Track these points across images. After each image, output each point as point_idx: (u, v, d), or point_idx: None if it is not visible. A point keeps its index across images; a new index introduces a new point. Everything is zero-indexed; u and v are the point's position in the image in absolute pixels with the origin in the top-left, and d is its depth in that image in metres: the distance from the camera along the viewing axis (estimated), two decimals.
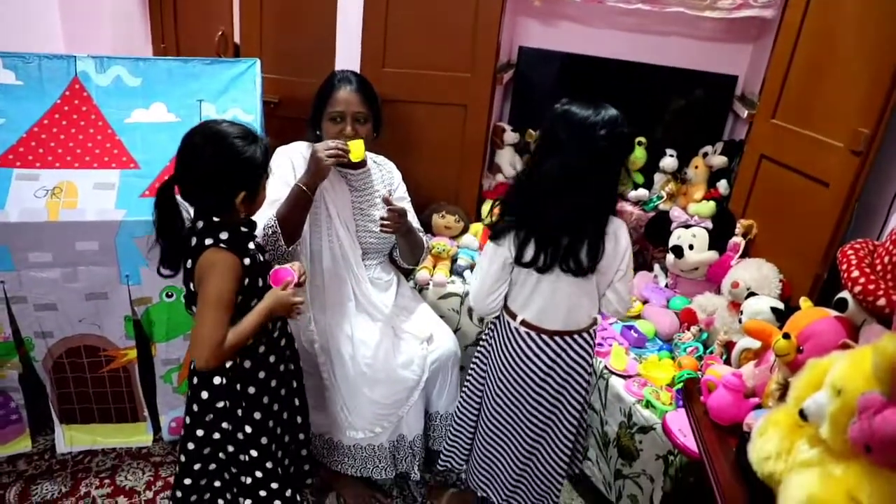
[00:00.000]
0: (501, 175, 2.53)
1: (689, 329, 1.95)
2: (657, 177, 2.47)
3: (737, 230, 2.06)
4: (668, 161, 2.42)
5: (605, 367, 1.82)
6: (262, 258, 1.43)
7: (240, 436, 1.47)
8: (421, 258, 2.02)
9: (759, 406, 1.28)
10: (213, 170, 1.31)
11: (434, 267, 2.20)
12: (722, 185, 2.33)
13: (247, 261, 1.35)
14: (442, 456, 1.81)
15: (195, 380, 1.46)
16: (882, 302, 1.14)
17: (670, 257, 2.14)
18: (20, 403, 1.92)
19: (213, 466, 1.54)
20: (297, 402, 1.62)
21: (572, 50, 2.51)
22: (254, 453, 1.48)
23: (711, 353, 1.82)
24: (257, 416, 1.46)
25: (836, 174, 1.68)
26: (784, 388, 1.18)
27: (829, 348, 1.08)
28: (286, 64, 2.54)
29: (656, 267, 2.33)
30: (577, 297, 1.48)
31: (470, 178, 2.39)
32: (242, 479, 1.51)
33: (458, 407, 1.76)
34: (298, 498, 1.61)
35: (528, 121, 2.55)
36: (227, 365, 1.41)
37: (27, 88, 1.84)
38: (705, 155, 2.41)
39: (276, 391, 1.50)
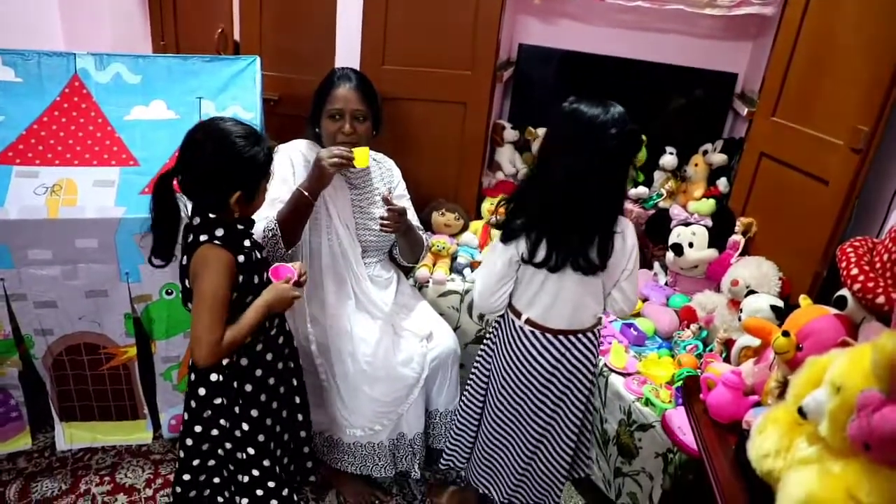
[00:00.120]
0: (501, 173, 2.53)
1: (688, 327, 1.95)
2: (657, 174, 2.47)
3: (736, 228, 2.06)
4: (668, 159, 2.42)
5: (605, 364, 1.82)
6: (258, 255, 1.43)
7: (237, 433, 1.47)
8: (421, 256, 2.02)
9: (758, 404, 1.28)
10: (212, 167, 1.31)
11: (434, 265, 2.20)
12: (722, 183, 2.34)
13: (241, 258, 1.35)
14: (444, 455, 1.81)
15: (193, 376, 1.46)
16: (881, 300, 1.14)
17: (670, 255, 2.14)
18: (20, 401, 1.92)
19: (211, 463, 1.54)
20: (297, 399, 1.62)
21: (572, 47, 2.51)
22: (251, 451, 1.48)
23: (711, 350, 1.82)
24: (254, 413, 1.46)
25: (835, 172, 1.68)
26: (783, 386, 1.18)
27: (829, 346, 1.08)
28: (286, 61, 2.53)
29: (656, 265, 2.33)
30: (582, 296, 1.48)
31: (470, 176, 2.39)
32: (239, 476, 1.51)
33: (460, 406, 1.76)
34: (295, 498, 1.61)
35: (528, 118, 2.55)
36: (224, 362, 1.42)
37: (27, 86, 1.84)
38: (705, 153, 2.41)
39: (274, 389, 1.50)
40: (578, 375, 1.55)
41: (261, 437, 1.48)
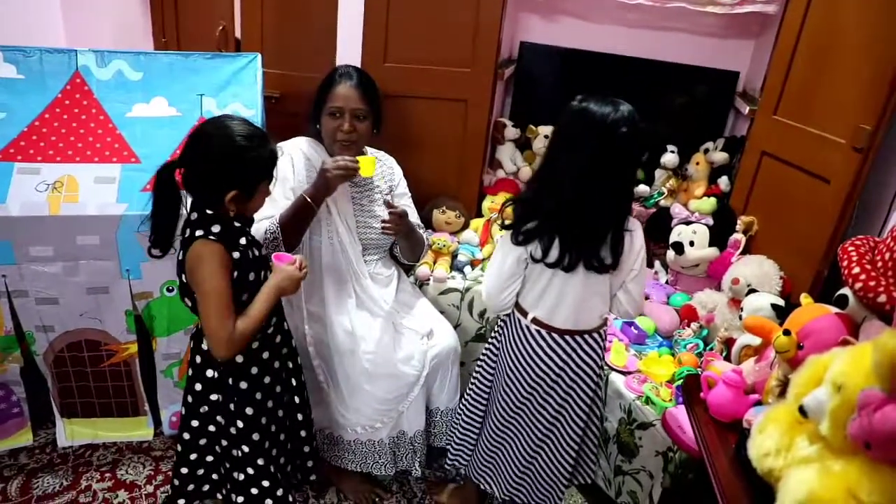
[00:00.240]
0: (502, 171, 2.53)
1: (689, 325, 1.95)
2: (658, 173, 2.47)
3: (737, 227, 2.06)
4: (669, 157, 2.42)
5: (606, 363, 1.82)
6: (254, 253, 1.43)
7: (232, 430, 1.47)
8: (421, 255, 2.02)
9: (759, 403, 1.28)
10: (211, 163, 1.31)
11: (434, 262, 2.20)
12: (723, 182, 2.33)
13: (236, 254, 1.35)
14: (449, 455, 1.81)
15: (190, 372, 1.47)
16: (882, 298, 1.14)
17: (671, 254, 2.14)
18: (21, 397, 1.93)
19: (209, 458, 1.55)
20: (296, 399, 1.62)
21: (574, 45, 2.51)
22: (245, 449, 1.48)
23: (711, 349, 1.82)
24: (249, 411, 1.46)
25: (837, 171, 1.68)
26: (784, 385, 1.18)
27: (830, 345, 1.08)
28: (287, 59, 2.53)
29: (657, 263, 2.33)
30: (588, 296, 1.48)
31: (470, 174, 2.39)
32: (235, 474, 1.51)
33: (465, 405, 1.75)
34: (290, 498, 1.60)
35: (530, 116, 2.55)
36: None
37: (28, 82, 1.84)
38: (706, 151, 2.41)
39: (269, 388, 1.50)
40: (583, 376, 1.55)
41: (255, 436, 1.48)
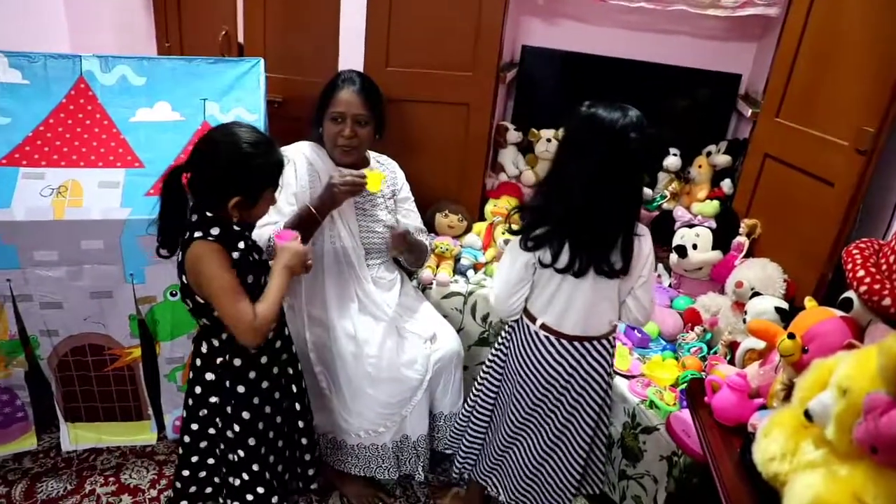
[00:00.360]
0: (504, 174, 2.53)
1: (692, 329, 1.94)
2: (661, 176, 2.47)
3: (741, 230, 2.06)
4: (672, 160, 2.42)
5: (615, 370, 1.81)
6: (254, 257, 1.43)
7: (228, 434, 1.47)
8: (425, 261, 2.02)
9: (763, 407, 1.27)
10: (217, 169, 1.32)
11: (437, 266, 2.20)
12: (726, 185, 2.33)
13: (235, 255, 1.35)
14: (457, 463, 1.79)
15: (191, 375, 1.48)
16: (887, 302, 1.13)
17: (674, 257, 2.14)
18: (26, 401, 1.93)
19: (210, 461, 1.55)
20: (296, 406, 1.61)
21: (576, 49, 2.51)
22: (241, 453, 1.48)
23: (715, 353, 1.81)
24: (246, 415, 1.46)
25: (840, 173, 1.68)
26: (789, 389, 1.17)
27: (835, 348, 1.08)
28: (290, 63, 2.54)
29: (660, 266, 2.32)
30: (597, 301, 1.47)
31: (473, 178, 2.39)
32: (230, 479, 1.51)
33: (471, 412, 1.73)
34: None
35: (532, 120, 2.55)
36: (218, 361, 1.43)
37: (33, 88, 1.84)
38: (709, 154, 2.41)
39: (267, 393, 1.50)
40: (592, 383, 1.54)
41: (251, 441, 1.48)
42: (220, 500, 1.58)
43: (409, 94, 2.23)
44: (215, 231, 1.33)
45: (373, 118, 1.84)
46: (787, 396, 1.17)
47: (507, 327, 1.64)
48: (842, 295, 1.29)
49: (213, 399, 1.46)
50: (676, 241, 2.14)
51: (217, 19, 2.67)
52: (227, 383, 1.44)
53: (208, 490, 1.60)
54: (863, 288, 1.18)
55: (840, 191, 1.67)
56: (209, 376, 1.44)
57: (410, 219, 2.03)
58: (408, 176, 2.06)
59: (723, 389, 1.32)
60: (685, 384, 1.66)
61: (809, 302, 1.34)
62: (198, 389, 1.46)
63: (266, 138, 1.37)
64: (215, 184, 1.33)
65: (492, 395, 1.68)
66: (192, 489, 1.58)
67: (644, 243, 1.45)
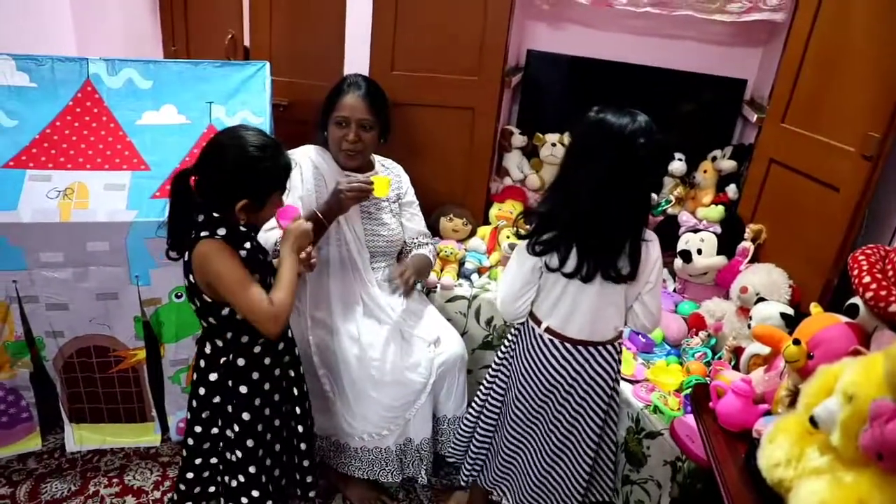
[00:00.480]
0: (509, 178, 2.53)
1: (697, 334, 1.94)
2: (665, 181, 2.46)
3: (746, 235, 2.05)
4: (677, 165, 2.42)
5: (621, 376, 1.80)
6: (260, 258, 1.44)
7: (228, 433, 1.48)
8: (431, 270, 2.03)
9: (768, 412, 1.27)
10: (224, 173, 1.32)
11: (441, 270, 2.20)
12: (731, 190, 2.33)
13: (242, 253, 1.36)
14: (465, 469, 1.78)
15: (195, 376, 1.48)
16: (894, 308, 1.13)
17: (678, 262, 2.13)
18: (31, 402, 1.94)
19: (214, 461, 1.55)
20: (297, 410, 1.61)
21: (581, 53, 2.51)
22: (238, 454, 1.48)
23: (720, 358, 1.81)
24: (246, 416, 1.46)
25: (846, 179, 1.67)
26: (794, 395, 1.17)
27: (840, 354, 1.07)
28: (295, 67, 2.55)
29: (664, 271, 2.32)
30: (603, 306, 1.47)
31: (477, 182, 2.39)
32: (227, 479, 1.51)
33: (478, 417, 1.72)
34: None
35: (537, 124, 2.55)
36: (221, 361, 1.43)
37: (40, 90, 1.86)
38: (714, 159, 2.40)
39: (269, 395, 1.50)
40: (596, 388, 1.54)
41: (250, 442, 1.47)
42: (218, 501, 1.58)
43: (414, 99, 2.23)
44: (221, 231, 1.33)
45: (377, 123, 1.84)
46: (793, 402, 1.16)
47: (513, 330, 1.64)
48: (848, 301, 1.29)
49: (216, 399, 1.46)
50: (681, 245, 2.13)
51: (223, 23, 2.69)
52: (230, 383, 1.45)
53: (211, 489, 1.60)
54: (869, 294, 1.18)
55: (846, 196, 1.67)
56: (213, 376, 1.45)
57: (414, 223, 2.04)
58: (413, 180, 2.07)
59: (727, 395, 1.32)
60: (689, 389, 1.65)
61: (815, 308, 1.34)
62: (201, 391, 1.47)
63: (273, 141, 1.38)
64: (222, 187, 1.33)
65: (498, 399, 1.67)
66: (197, 490, 1.58)
67: (652, 249, 1.45)
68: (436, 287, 2.14)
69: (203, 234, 1.32)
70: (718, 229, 2.14)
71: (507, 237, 2.25)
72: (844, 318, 1.24)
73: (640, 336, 1.95)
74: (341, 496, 1.96)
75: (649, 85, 2.45)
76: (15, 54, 1.85)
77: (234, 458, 1.48)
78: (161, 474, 1.99)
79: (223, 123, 1.90)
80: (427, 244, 2.04)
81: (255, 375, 1.46)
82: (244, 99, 1.98)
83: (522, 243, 1.48)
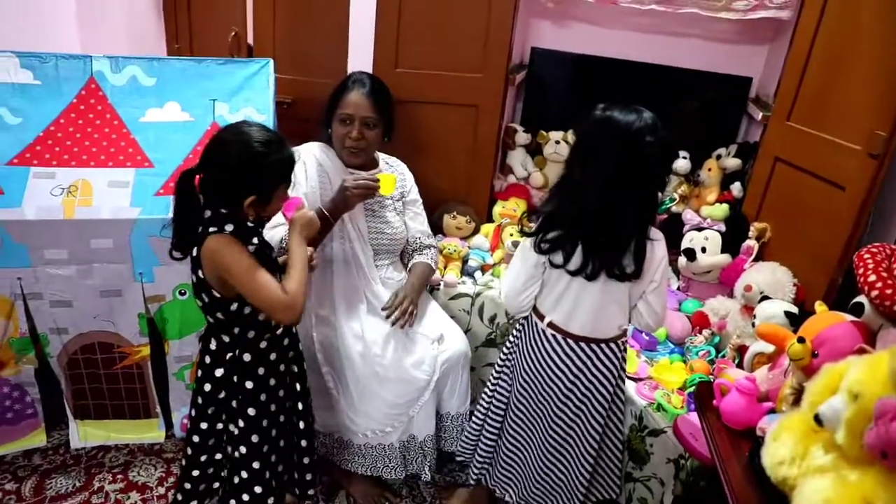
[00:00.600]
0: (513, 176, 2.53)
1: (701, 332, 1.93)
2: (670, 178, 2.46)
3: (750, 233, 2.05)
4: (681, 163, 2.41)
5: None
6: (266, 253, 1.44)
7: (232, 428, 1.48)
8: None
9: (772, 411, 1.27)
10: (230, 170, 1.32)
11: (445, 267, 2.20)
12: (735, 188, 2.32)
13: (250, 248, 1.36)
14: (474, 469, 1.78)
15: (200, 373, 1.48)
16: None
17: (682, 260, 2.13)
18: (36, 398, 1.95)
19: (218, 456, 1.55)
20: (299, 405, 1.61)
21: (585, 51, 2.50)
22: (243, 450, 1.48)
23: (723, 356, 1.80)
24: (251, 412, 1.46)
25: (852, 177, 1.67)
26: (798, 393, 1.17)
27: (845, 353, 1.07)
28: (299, 64, 2.55)
29: (668, 269, 2.31)
30: (606, 303, 1.47)
31: (481, 179, 2.39)
32: (231, 475, 1.51)
33: (487, 416, 1.72)
34: None
35: (541, 122, 2.55)
36: (227, 356, 1.43)
37: (44, 88, 1.86)
38: (719, 157, 2.40)
39: (273, 391, 1.50)
40: (599, 386, 1.54)
41: (254, 438, 1.48)
42: (220, 495, 1.58)
43: (418, 96, 2.23)
44: (229, 227, 1.33)
45: (381, 121, 1.84)
46: (797, 401, 1.16)
47: (517, 325, 1.64)
48: (853, 300, 1.29)
49: (221, 394, 1.46)
50: (685, 244, 2.13)
51: (227, 20, 2.69)
52: (235, 378, 1.45)
53: (215, 486, 1.60)
54: (874, 293, 1.18)
55: (851, 195, 1.66)
56: (218, 372, 1.44)
57: (417, 222, 2.04)
58: (416, 177, 2.07)
59: (732, 393, 1.32)
60: (693, 387, 1.65)
61: (820, 306, 1.34)
62: (207, 387, 1.47)
63: (276, 136, 1.38)
64: (228, 184, 1.33)
65: (504, 396, 1.67)
66: (201, 487, 1.59)
67: (657, 248, 1.44)
68: (439, 284, 2.14)
69: (211, 229, 1.32)
70: (723, 227, 2.13)
71: (511, 235, 2.25)
72: (849, 317, 1.24)
73: (643, 334, 1.95)
74: (345, 493, 1.97)
75: (654, 83, 2.45)
76: (19, 51, 1.85)
77: (238, 454, 1.49)
78: (165, 470, 1.99)
79: (226, 121, 1.90)
80: (428, 246, 2.04)
81: (261, 371, 1.47)
82: (248, 96, 1.98)
83: (527, 240, 1.48)
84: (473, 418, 1.79)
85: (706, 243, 2.08)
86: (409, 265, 1.99)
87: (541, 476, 1.65)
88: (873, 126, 1.58)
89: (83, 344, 1.89)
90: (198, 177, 1.36)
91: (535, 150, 2.57)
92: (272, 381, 1.49)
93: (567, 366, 1.52)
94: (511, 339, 1.66)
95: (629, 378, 1.78)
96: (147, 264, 1.81)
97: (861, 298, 1.25)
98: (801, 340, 1.19)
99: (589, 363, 1.52)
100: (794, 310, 1.66)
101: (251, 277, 1.31)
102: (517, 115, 2.68)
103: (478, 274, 2.20)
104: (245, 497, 1.51)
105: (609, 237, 1.39)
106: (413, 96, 2.21)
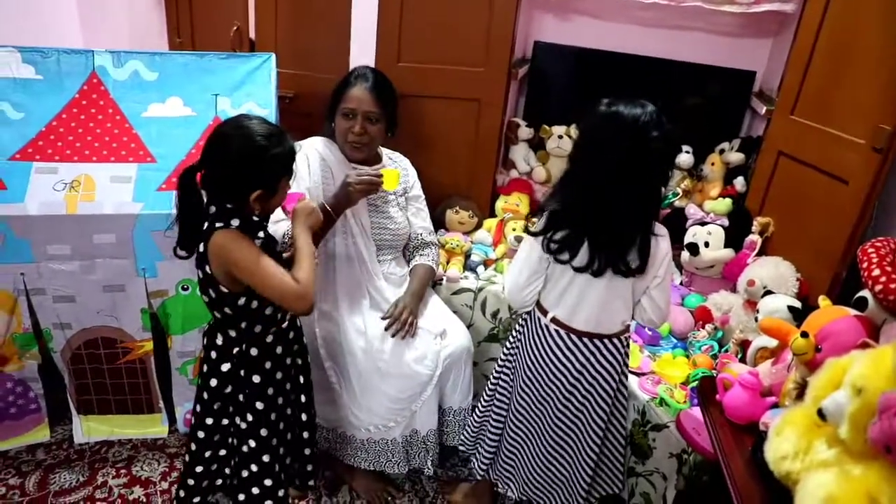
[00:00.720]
0: (515, 171, 2.52)
1: (703, 327, 1.93)
2: (673, 173, 2.45)
3: (753, 228, 2.04)
4: (684, 157, 2.40)
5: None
6: (272, 247, 1.44)
7: (239, 422, 1.48)
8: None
9: (775, 405, 1.26)
10: (234, 166, 1.31)
11: (447, 262, 2.20)
12: (739, 182, 2.31)
13: (257, 242, 1.36)
14: (481, 465, 1.78)
15: (205, 368, 1.48)
16: None
17: (685, 255, 2.12)
18: (39, 394, 1.95)
19: (223, 452, 1.56)
20: (302, 398, 1.62)
21: (588, 45, 2.49)
22: (252, 444, 1.48)
23: (726, 351, 1.80)
24: (259, 405, 1.47)
25: (856, 171, 1.66)
26: (802, 388, 1.16)
27: (849, 347, 1.07)
28: (301, 59, 2.54)
29: (672, 265, 2.31)
30: (610, 299, 1.46)
31: (484, 174, 2.38)
32: (239, 470, 1.52)
33: (490, 411, 1.72)
34: (290, 501, 1.60)
35: (543, 116, 2.54)
36: (234, 351, 1.43)
37: (46, 83, 1.86)
38: (722, 151, 2.39)
39: (280, 384, 1.51)
40: (602, 382, 1.53)
41: (263, 432, 1.48)
42: (227, 489, 1.59)
43: (420, 90, 2.22)
44: (235, 222, 1.34)
45: (384, 116, 1.84)
46: (800, 395, 1.16)
47: (520, 320, 1.64)
48: (856, 294, 1.28)
49: (228, 389, 1.46)
50: (688, 238, 2.12)
51: (228, 15, 2.68)
52: (242, 373, 1.45)
53: (219, 482, 1.61)
54: (878, 287, 1.17)
55: (855, 189, 1.65)
56: (225, 367, 1.45)
57: (419, 218, 2.04)
58: (418, 172, 2.06)
59: (735, 387, 1.32)
60: (696, 382, 1.65)
61: (823, 301, 1.33)
62: (213, 382, 1.46)
63: (277, 128, 1.37)
64: (231, 179, 1.33)
65: (507, 391, 1.67)
66: (205, 483, 1.59)
67: (662, 243, 1.44)
68: (442, 280, 2.14)
69: (218, 224, 1.32)
70: (726, 222, 2.13)
71: (514, 230, 2.24)
72: (853, 311, 1.24)
73: (646, 329, 1.95)
74: (347, 488, 1.97)
75: (657, 76, 2.43)
76: (21, 46, 1.85)
77: (246, 449, 1.49)
78: (168, 465, 2.00)
79: (229, 115, 1.88)
80: (430, 244, 2.04)
81: (268, 365, 1.47)
82: (250, 91, 1.98)
83: (532, 240, 1.48)
84: (475, 412, 1.79)
85: (709, 238, 2.08)
86: (410, 266, 1.99)
87: (543, 471, 1.65)
88: (877, 120, 1.57)
89: (86, 339, 1.89)
90: (199, 173, 1.36)
91: (537, 144, 2.56)
92: (279, 375, 1.50)
93: (570, 361, 1.52)
94: (514, 334, 1.66)
95: (632, 373, 1.78)
96: (150, 259, 1.81)
97: (865, 293, 1.25)
98: (804, 335, 1.19)
99: (592, 359, 1.51)
100: (798, 304, 1.66)
101: (261, 269, 1.31)
102: (520, 110, 2.67)
103: (480, 269, 2.20)
104: (255, 490, 1.51)
105: (613, 233, 1.39)
106: (415, 91, 2.20)
